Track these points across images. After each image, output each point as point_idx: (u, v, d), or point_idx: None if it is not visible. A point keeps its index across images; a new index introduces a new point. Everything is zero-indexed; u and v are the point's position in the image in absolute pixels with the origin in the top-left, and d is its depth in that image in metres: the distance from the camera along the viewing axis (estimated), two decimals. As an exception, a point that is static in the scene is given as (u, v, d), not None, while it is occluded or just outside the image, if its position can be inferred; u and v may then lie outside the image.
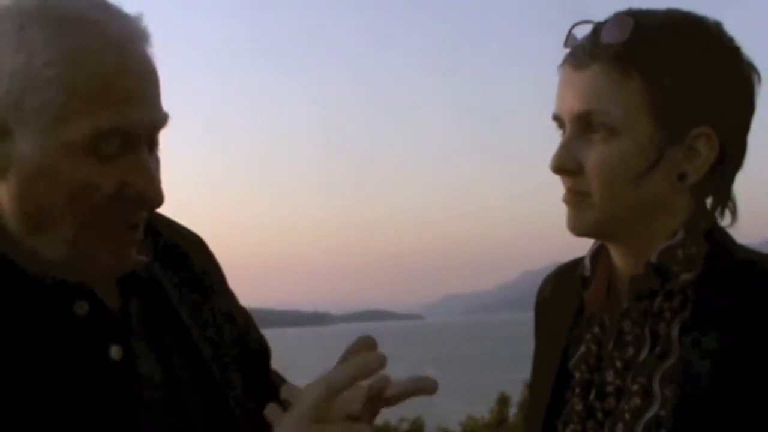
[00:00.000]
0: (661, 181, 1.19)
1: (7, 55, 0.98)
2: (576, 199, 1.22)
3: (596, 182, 1.19)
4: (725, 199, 1.26)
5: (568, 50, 1.23)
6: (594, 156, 1.19)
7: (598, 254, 1.32)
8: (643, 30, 1.17)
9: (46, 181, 0.99)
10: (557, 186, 1.26)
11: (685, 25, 1.20)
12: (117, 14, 1.03)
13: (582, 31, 1.23)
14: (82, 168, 0.99)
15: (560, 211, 1.26)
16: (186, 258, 1.25)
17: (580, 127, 1.20)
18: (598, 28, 1.20)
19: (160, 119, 1.04)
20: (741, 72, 1.21)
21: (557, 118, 1.24)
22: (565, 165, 1.21)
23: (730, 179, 1.25)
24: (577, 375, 1.28)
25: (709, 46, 1.19)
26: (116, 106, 0.99)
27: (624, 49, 1.17)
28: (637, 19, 1.18)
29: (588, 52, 1.19)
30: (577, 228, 1.24)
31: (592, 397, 1.25)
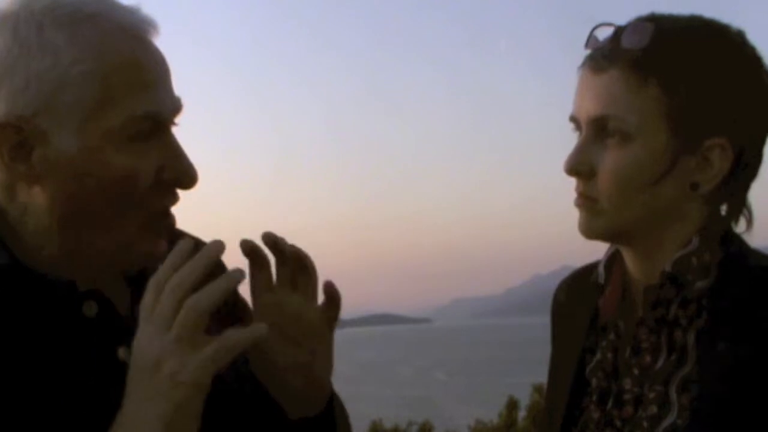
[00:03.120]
0: (673, 189, 1.19)
1: (31, 60, 1.01)
2: (586, 203, 1.22)
3: (607, 188, 1.19)
4: (740, 207, 1.25)
5: (588, 51, 1.23)
6: (607, 161, 1.18)
7: (612, 261, 1.32)
8: (663, 37, 1.17)
9: (90, 175, 1.03)
10: (567, 189, 1.26)
11: (706, 33, 1.19)
12: (122, 7, 1.08)
13: (603, 33, 1.23)
14: (123, 157, 1.03)
15: (570, 215, 1.26)
16: None
17: (596, 131, 1.20)
18: (618, 31, 1.19)
19: (180, 102, 1.09)
20: (761, 83, 1.20)
21: (574, 120, 1.24)
22: (579, 168, 1.21)
23: (745, 188, 1.24)
24: (594, 382, 1.28)
25: (729, 56, 1.18)
26: (145, 91, 1.04)
27: (643, 55, 1.16)
28: (658, 24, 1.18)
29: (607, 56, 1.18)
30: (588, 232, 1.24)
31: (609, 405, 1.24)
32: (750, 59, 1.20)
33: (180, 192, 1.11)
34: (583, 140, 1.21)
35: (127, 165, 1.03)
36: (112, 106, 1.02)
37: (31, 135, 1.02)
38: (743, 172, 1.21)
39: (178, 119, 1.10)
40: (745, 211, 1.25)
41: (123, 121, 1.02)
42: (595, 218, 1.22)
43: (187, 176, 1.09)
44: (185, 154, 1.09)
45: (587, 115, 1.20)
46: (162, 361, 0.95)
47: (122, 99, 1.02)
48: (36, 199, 1.05)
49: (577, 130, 1.24)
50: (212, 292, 0.97)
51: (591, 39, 1.23)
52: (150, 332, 0.97)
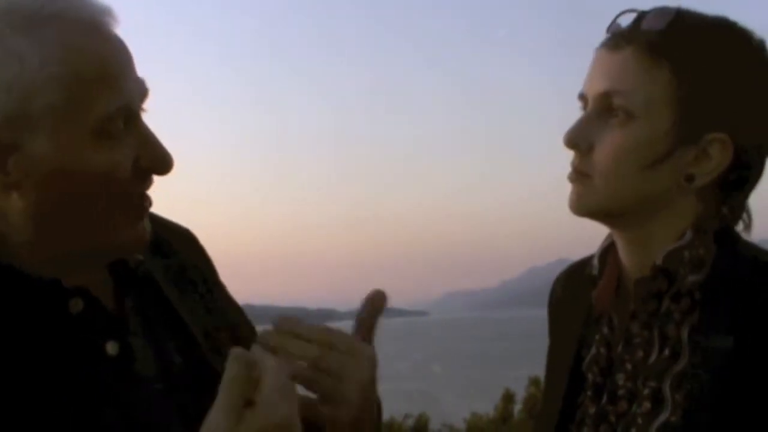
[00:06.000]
0: (668, 177, 1.19)
1: None
2: (579, 179, 1.22)
3: (602, 165, 1.19)
4: (740, 210, 1.25)
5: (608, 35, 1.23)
6: (607, 138, 1.19)
7: (607, 253, 1.31)
8: (682, 24, 1.18)
9: (69, 176, 1.01)
10: (563, 182, 1.25)
11: (727, 32, 1.20)
12: (78, 1, 1.04)
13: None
14: (100, 154, 1.02)
15: (566, 208, 1.25)
16: (175, 252, 1.26)
17: (601, 108, 1.20)
18: (641, 16, 1.20)
19: (146, 86, 1.08)
20: None
21: (582, 97, 1.24)
22: (577, 141, 1.21)
23: (745, 192, 1.24)
24: (589, 377, 1.28)
25: (746, 60, 1.19)
26: (113, 86, 1.02)
27: (659, 37, 1.17)
28: (681, 13, 1.19)
29: (625, 36, 1.19)
30: (577, 208, 1.24)
31: (604, 400, 1.24)
32: (765, 67, 1.20)
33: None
34: (587, 115, 1.22)
35: (105, 162, 1.02)
36: (84, 107, 1.00)
37: (4, 144, 1.00)
38: (741, 173, 1.21)
39: (145, 105, 1.08)
40: (744, 215, 1.25)
41: (96, 120, 1.01)
42: (585, 194, 1.22)
43: (162, 163, 1.07)
44: (158, 141, 1.07)
45: (595, 91, 1.21)
46: None
47: (93, 98, 1.00)
48: (13, 204, 1.03)
49: (584, 109, 1.24)
50: None
51: (613, 25, 1.23)
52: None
